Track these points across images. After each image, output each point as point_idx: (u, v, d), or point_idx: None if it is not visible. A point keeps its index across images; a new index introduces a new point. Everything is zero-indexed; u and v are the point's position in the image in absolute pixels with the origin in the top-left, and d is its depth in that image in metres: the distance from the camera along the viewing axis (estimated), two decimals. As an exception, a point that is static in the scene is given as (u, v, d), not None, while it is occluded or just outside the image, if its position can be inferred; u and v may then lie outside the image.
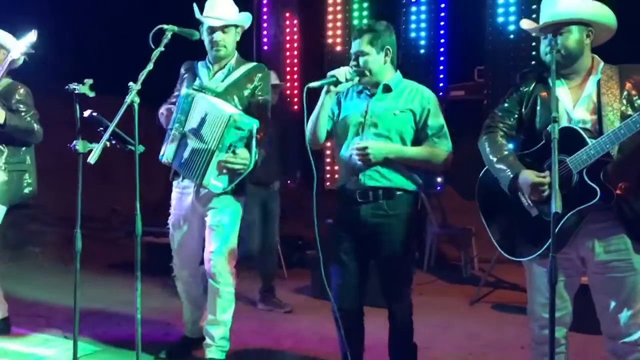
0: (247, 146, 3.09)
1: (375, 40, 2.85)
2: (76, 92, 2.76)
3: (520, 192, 2.44)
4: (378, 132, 2.84)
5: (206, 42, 3.30)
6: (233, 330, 3.64)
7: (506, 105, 2.62)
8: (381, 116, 2.85)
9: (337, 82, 2.80)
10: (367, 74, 2.86)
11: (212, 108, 3.08)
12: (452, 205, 6.59)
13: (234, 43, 3.33)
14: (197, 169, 3.10)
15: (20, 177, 3.73)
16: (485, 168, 2.63)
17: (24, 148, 3.74)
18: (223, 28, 3.25)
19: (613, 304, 2.39)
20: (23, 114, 3.66)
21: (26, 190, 3.76)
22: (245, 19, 3.35)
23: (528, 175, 2.39)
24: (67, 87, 2.77)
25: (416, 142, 2.88)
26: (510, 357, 3.67)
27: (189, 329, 3.63)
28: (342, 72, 2.81)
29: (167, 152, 3.23)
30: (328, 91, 2.83)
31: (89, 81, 2.80)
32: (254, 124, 3.07)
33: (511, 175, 2.43)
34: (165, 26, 2.96)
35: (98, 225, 6.88)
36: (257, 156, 3.12)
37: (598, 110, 2.37)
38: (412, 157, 2.85)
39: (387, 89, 2.91)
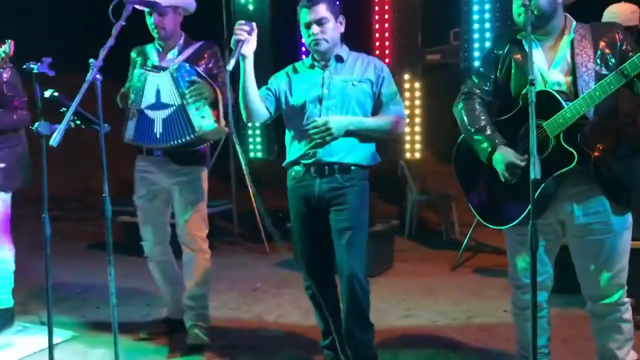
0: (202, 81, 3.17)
1: (332, 7, 2.77)
2: (34, 71, 2.65)
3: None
4: (339, 104, 2.78)
5: (148, 25, 3.32)
6: (214, 307, 3.61)
7: (481, 70, 2.55)
8: (340, 87, 2.79)
9: (243, 42, 2.60)
10: (328, 42, 2.77)
11: (162, 78, 3.20)
12: (431, 170, 6.59)
13: (174, 24, 3.33)
14: (183, 128, 3.17)
15: None
16: (462, 135, 2.58)
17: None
18: (164, 11, 3.25)
19: (593, 266, 2.38)
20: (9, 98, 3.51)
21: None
22: (187, 3, 3.34)
23: (505, 154, 2.35)
24: (25, 66, 2.66)
25: (373, 110, 2.85)
26: (494, 321, 3.68)
27: (171, 309, 3.61)
28: (239, 31, 2.59)
29: (127, 131, 3.28)
30: (243, 57, 2.64)
31: (47, 60, 2.68)
32: (186, 64, 3.19)
33: (489, 149, 2.39)
34: (125, -1, 2.86)
35: (73, 205, 6.77)
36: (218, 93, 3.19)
37: (572, 71, 2.32)
38: (371, 127, 2.80)
39: (340, 59, 2.84)
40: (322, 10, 2.74)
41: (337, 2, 2.83)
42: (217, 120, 3.19)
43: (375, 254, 4.35)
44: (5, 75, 3.48)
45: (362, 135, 2.80)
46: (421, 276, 4.74)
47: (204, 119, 3.15)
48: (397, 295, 4.26)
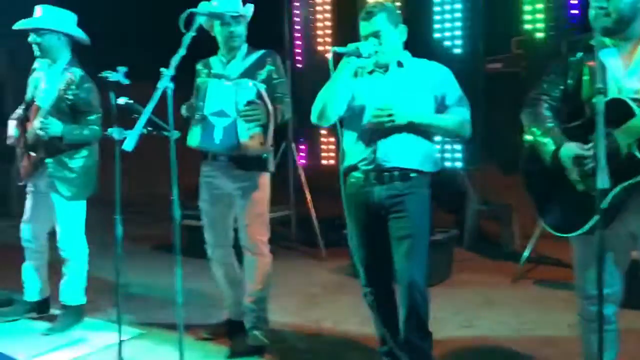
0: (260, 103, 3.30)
1: (391, 17, 2.80)
2: (110, 80, 2.79)
3: (564, 165, 2.35)
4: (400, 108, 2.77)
5: (220, 35, 3.42)
6: (273, 311, 3.67)
7: (551, 76, 2.51)
8: (402, 91, 2.79)
9: (359, 55, 2.71)
10: (385, 51, 2.78)
11: (224, 87, 3.33)
12: (492, 180, 6.46)
13: (245, 33, 3.46)
14: (233, 141, 3.29)
15: None
16: (527, 143, 2.55)
17: None
18: (238, 20, 3.38)
19: (665, 280, 2.30)
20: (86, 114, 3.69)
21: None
22: (250, 10, 3.47)
23: (570, 148, 2.29)
24: (100, 75, 2.80)
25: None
26: (557, 334, 3.59)
27: (233, 312, 3.69)
28: (366, 46, 2.71)
29: (191, 137, 3.39)
30: (347, 62, 2.73)
31: (122, 69, 2.82)
32: (250, 82, 3.32)
33: (553, 148, 2.34)
34: (195, 10, 2.97)
35: (139, 209, 6.99)
36: (276, 111, 3.34)
37: (651, 78, 2.25)
38: (435, 123, 2.79)
39: (400, 65, 2.85)
40: (379, 22, 2.76)
41: (397, 12, 2.85)
42: (264, 142, 3.32)
43: (433, 263, 4.30)
44: (83, 93, 3.65)
45: (424, 133, 2.79)
46: (481, 287, 4.66)
47: (251, 139, 3.28)
48: (456, 306, 4.21)
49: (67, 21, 3.69)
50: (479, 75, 5.60)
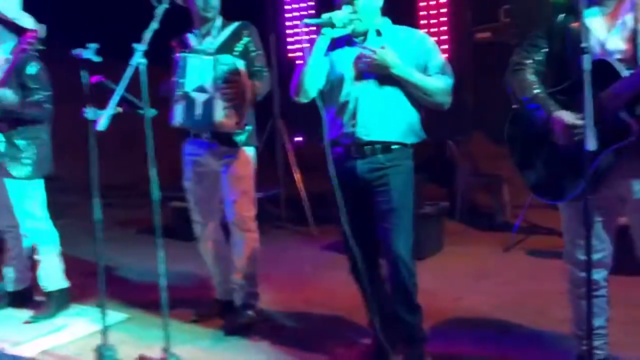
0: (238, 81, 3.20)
1: None
2: (81, 57, 2.70)
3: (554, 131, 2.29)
4: (379, 80, 2.69)
5: (194, 6, 3.31)
6: (262, 290, 3.63)
7: (534, 39, 2.44)
8: None
9: (332, 25, 2.62)
10: (362, 19, 2.69)
11: (203, 62, 3.22)
12: (482, 151, 6.42)
13: (219, 4, 3.36)
14: (209, 117, 3.19)
15: None
16: (513, 110, 2.49)
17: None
18: None
19: (655, 244, 2.26)
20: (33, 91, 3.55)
21: None
22: None
23: (562, 116, 2.24)
24: (71, 52, 2.70)
25: None
26: (549, 303, 3.56)
27: (220, 291, 3.65)
28: (339, 15, 2.63)
29: (175, 115, 3.29)
30: (322, 34, 2.65)
31: (93, 46, 2.72)
32: (229, 57, 3.22)
33: (544, 117, 2.29)
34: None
35: (126, 192, 6.92)
36: (254, 88, 3.26)
37: (634, 37, 2.19)
38: (413, 79, 2.66)
39: (379, 33, 2.75)
40: None
41: None
42: (239, 122, 3.23)
43: (424, 236, 4.28)
44: (29, 70, 3.52)
45: (404, 102, 2.70)
46: (472, 258, 4.64)
47: (227, 118, 3.20)
48: (448, 278, 4.18)
49: (8, 6, 3.54)
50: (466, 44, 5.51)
